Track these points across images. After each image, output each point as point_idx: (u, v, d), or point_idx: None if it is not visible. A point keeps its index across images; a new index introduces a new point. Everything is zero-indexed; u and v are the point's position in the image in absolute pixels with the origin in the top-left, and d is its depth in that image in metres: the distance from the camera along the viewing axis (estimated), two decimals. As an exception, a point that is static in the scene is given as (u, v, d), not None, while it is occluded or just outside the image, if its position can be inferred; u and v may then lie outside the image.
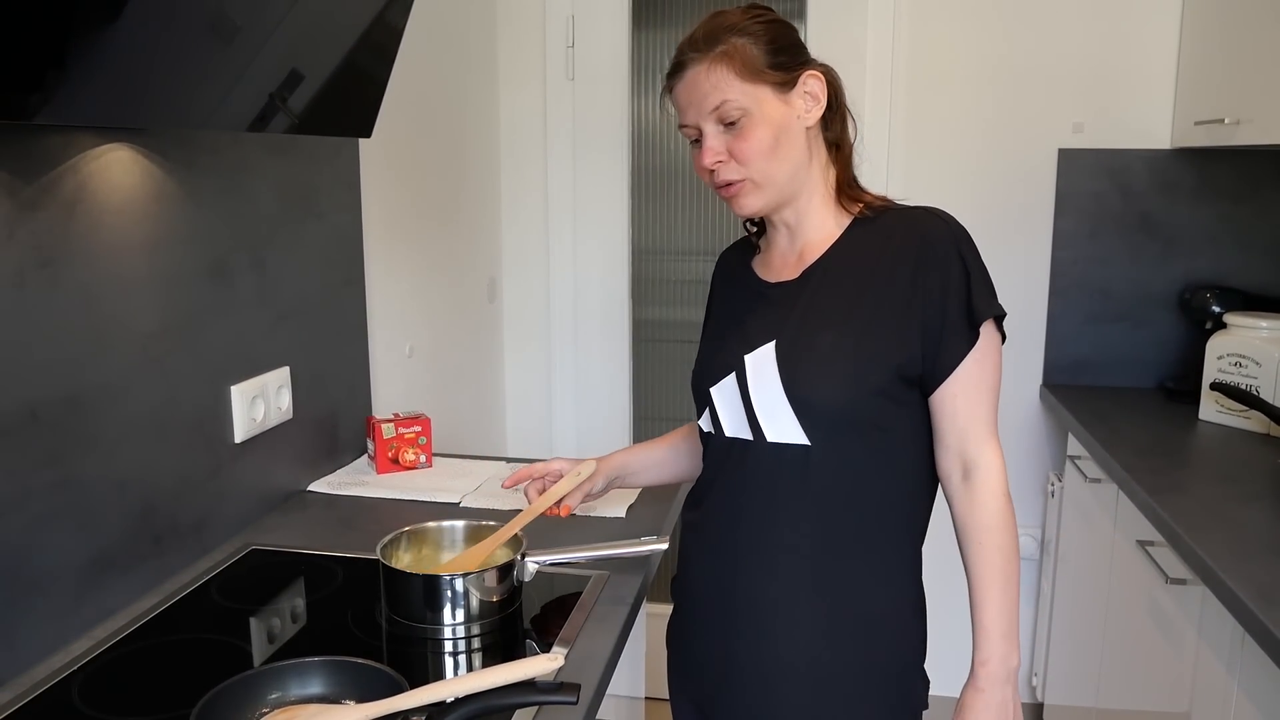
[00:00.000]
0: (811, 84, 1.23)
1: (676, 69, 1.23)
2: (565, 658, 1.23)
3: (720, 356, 1.31)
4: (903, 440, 1.25)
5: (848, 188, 1.29)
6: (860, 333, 1.21)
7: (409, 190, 2.27)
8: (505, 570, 1.33)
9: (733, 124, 1.21)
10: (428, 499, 1.78)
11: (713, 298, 1.44)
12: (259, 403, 1.65)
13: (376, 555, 1.35)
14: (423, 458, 1.92)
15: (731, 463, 1.29)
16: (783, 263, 1.31)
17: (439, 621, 1.30)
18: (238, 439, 1.61)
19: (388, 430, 1.89)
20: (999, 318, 1.23)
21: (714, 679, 1.31)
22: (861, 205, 1.28)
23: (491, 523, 1.45)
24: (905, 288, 1.21)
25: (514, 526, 1.41)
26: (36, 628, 1.23)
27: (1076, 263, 2.69)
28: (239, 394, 1.60)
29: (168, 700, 1.14)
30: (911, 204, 1.29)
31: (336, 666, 1.12)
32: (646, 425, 3.09)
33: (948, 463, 1.24)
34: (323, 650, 1.15)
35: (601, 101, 2.85)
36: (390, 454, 1.90)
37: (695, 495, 1.36)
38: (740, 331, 1.30)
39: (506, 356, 3.02)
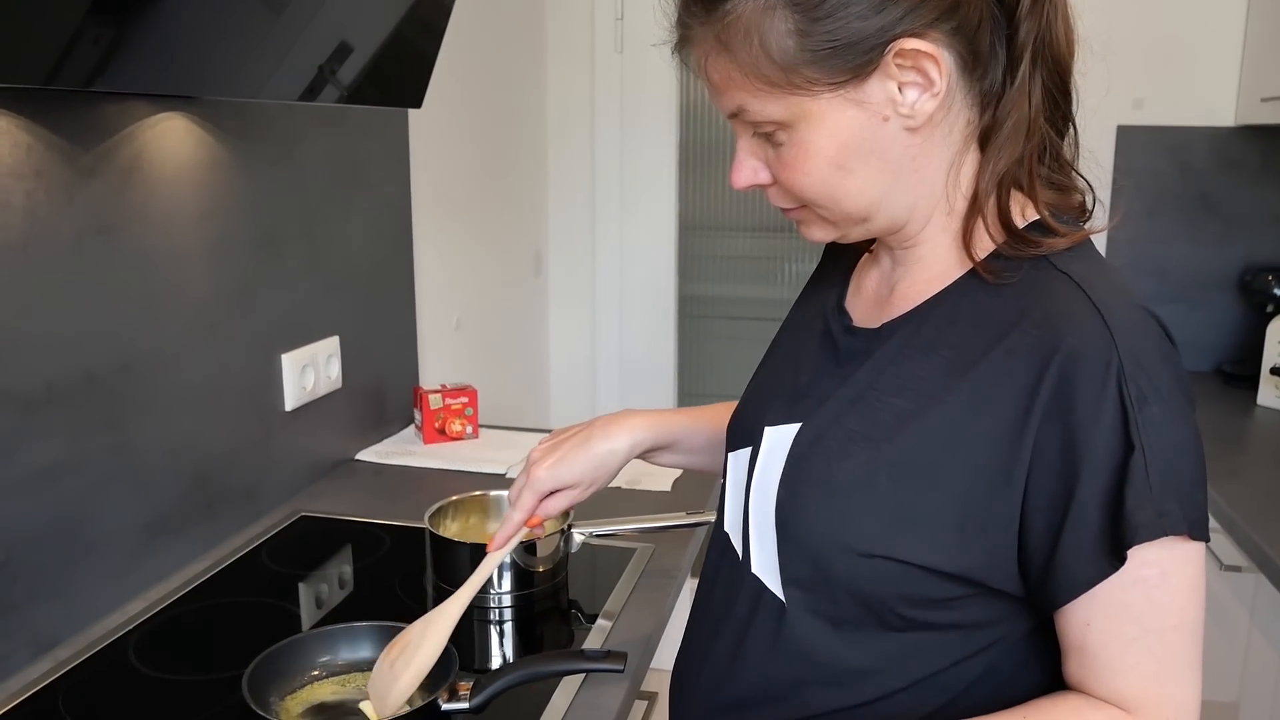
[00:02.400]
0: (910, 61, 0.74)
1: (679, 41, 0.81)
2: (611, 629, 1.24)
3: (748, 413, 0.94)
4: (958, 647, 0.80)
5: (999, 214, 0.79)
6: (911, 468, 0.77)
7: (457, 162, 2.27)
8: (551, 540, 1.33)
9: (770, 135, 0.79)
10: (474, 469, 1.79)
11: (800, 296, 1.04)
12: (309, 371, 1.66)
13: (424, 523, 1.36)
14: (469, 429, 1.93)
15: (722, 575, 0.93)
16: (874, 295, 0.89)
17: (486, 589, 1.31)
18: (288, 407, 1.63)
19: (435, 401, 1.90)
20: (1193, 531, 0.72)
21: None
22: (1000, 245, 0.79)
23: (538, 494, 1.45)
24: (1007, 424, 0.74)
25: (560, 498, 1.40)
26: (94, 588, 1.25)
27: (1133, 242, 2.64)
28: (290, 362, 1.62)
29: (221, 660, 1.16)
30: (1087, 268, 0.78)
31: (386, 631, 1.13)
32: (691, 402, 3.08)
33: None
34: (371, 615, 1.16)
35: (650, 74, 2.83)
36: (437, 424, 1.91)
37: (698, 589, 1.00)
38: (784, 383, 0.92)
39: (551, 330, 3.02)
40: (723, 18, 0.75)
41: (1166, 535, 0.71)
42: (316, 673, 1.09)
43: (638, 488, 1.69)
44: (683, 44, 0.80)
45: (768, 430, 0.88)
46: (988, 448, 0.75)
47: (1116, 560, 0.71)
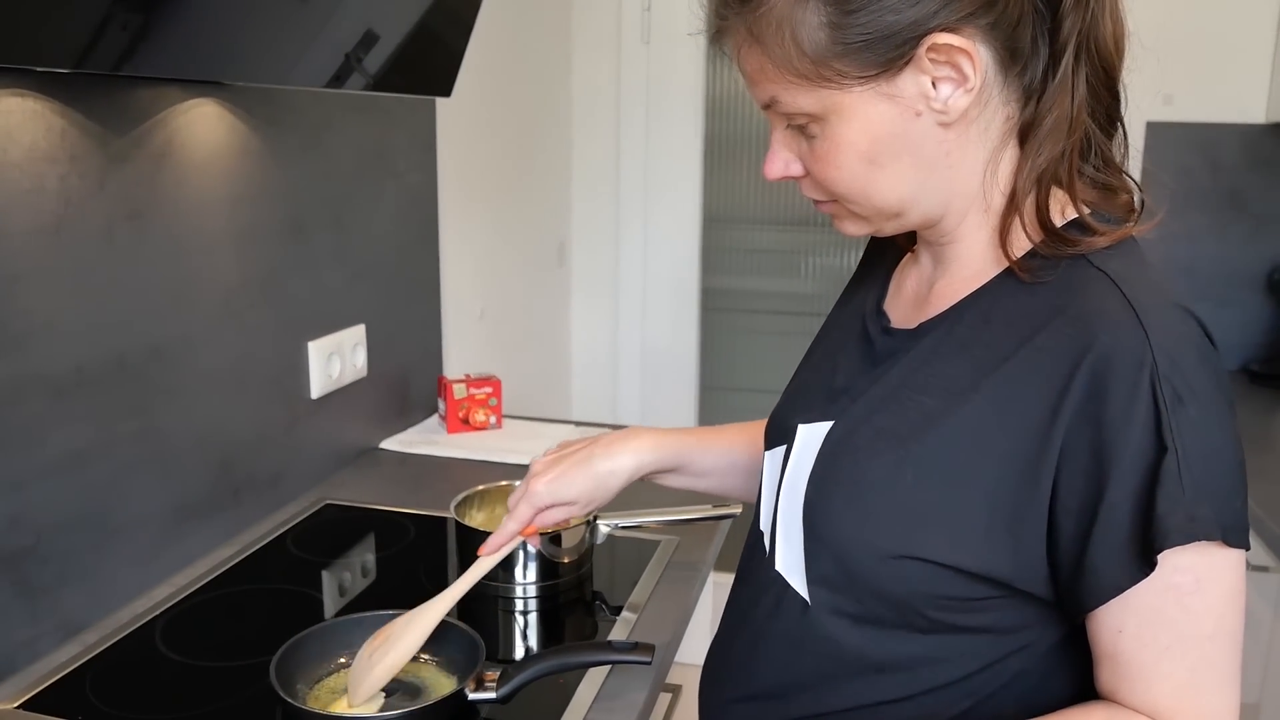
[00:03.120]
0: (943, 56, 0.73)
1: (715, 32, 0.80)
2: (637, 620, 1.24)
3: (784, 412, 0.94)
4: (987, 651, 0.79)
5: (1037, 212, 0.77)
6: (939, 466, 0.76)
7: (483, 152, 2.27)
8: (577, 531, 1.33)
9: (803, 127, 0.79)
10: (498, 459, 1.79)
11: (844, 293, 1.01)
12: (335, 359, 1.67)
13: (450, 513, 1.36)
14: (493, 419, 1.93)
15: (753, 570, 0.92)
16: (913, 295, 0.89)
17: (510, 580, 1.31)
18: (314, 395, 1.63)
19: (459, 391, 1.90)
20: (1228, 537, 0.70)
21: None
22: (1038, 244, 0.78)
23: (563, 485, 1.45)
24: (1037, 422, 0.73)
25: (586, 489, 1.40)
26: (121, 573, 1.26)
27: (1161, 240, 2.59)
28: (316, 350, 1.62)
29: (247, 647, 1.17)
30: (1126, 266, 0.76)
31: (412, 620, 1.13)
32: (712, 395, 3.08)
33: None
34: (395, 604, 1.16)
35: (676, 66, 2.82)
36: (461, 414, 1.91)
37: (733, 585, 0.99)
38: (819, 382, 0.92)
39: (574, 320, 3.02)
40: (755, 9, 0.74)
41: (1199, 540, 0.68)
42: (344, 660, 1.10)
43: (656, 482, 1.68)
44: (718, 35, 0.80)
45: (801, 428, 0.88)
46: (1016, 447, 0.73)
47: (1147, 565, 0.69)
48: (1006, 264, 0.79)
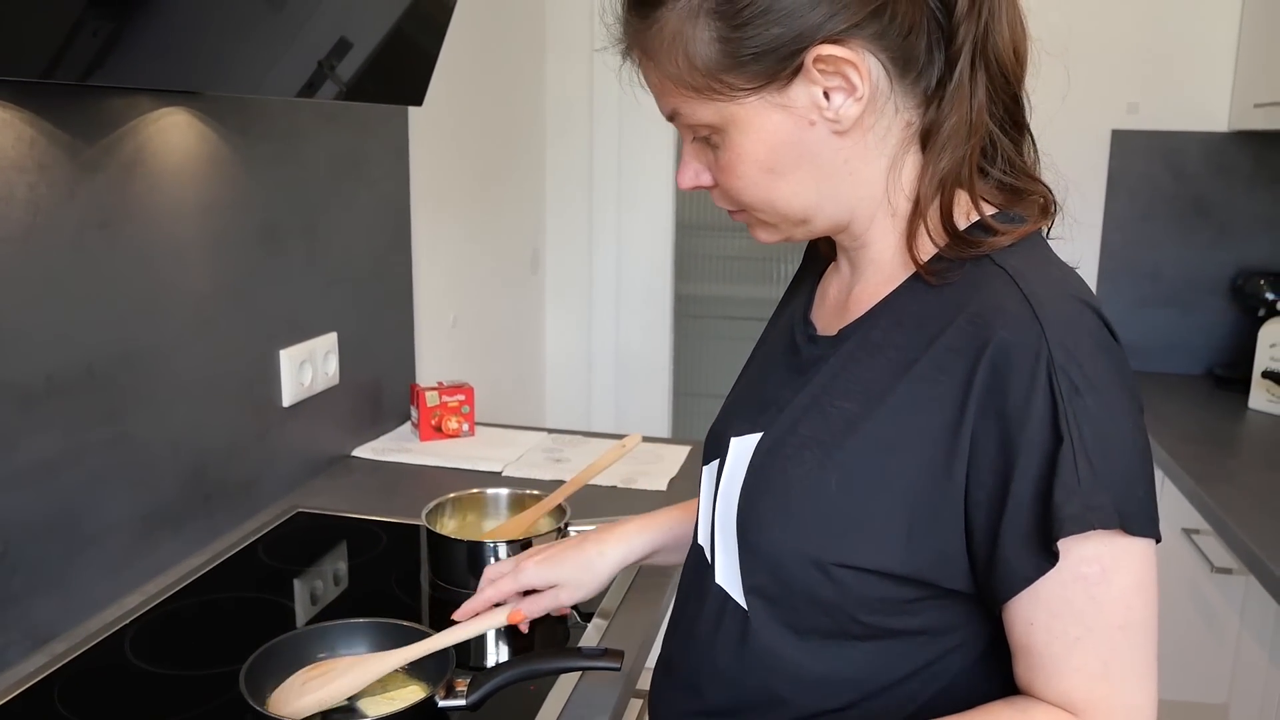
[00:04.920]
0: (831, 66, 0.75)
1: (624, 48, 0.83)
2: (607, 627, 1.24)
3: (721, 424, 0.94)
4: (921, 653, 0.80)
5: (941, 217, 0.79)
6: (857, 471, 0.78)
7: (455, 160, 2.27)
8: (548, 539, 1.34)
9: (707, 139, 0.82)
10: (470, 467, 1.79)
11: (779, 304, 1.03)
12: (307, 367, 1.67)
13: (421, 521, 1.36)
14: (465, 426, 1.93)
15: (687, 584, 0.95)
16: (835, 302, 0.90)
17: (482, 587, 1.32)
18: (286, 403, 1.63)
19: (431, 398, 1.90)
20: (1128, 525, 0.70)
21: None
22: (943, 247, 0.80)
23: (535, 492, 1.46)
24: (945, 422, 0.74)
25: (558, 497, 1.42)
26: (92, 581, 1.26)
27: (1126, 246, 2.66)
28: (288, 358, 1.62)
29: (217, 655, 1.17)
30: (1026, 262, 0.77)
31: (384, 629, 1.13)
32: (686, 401, 3.09)
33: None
34: (367, 612, 1.16)
35: (648, 74, 2.84)
36: (433, 422, 1.91)
37: (676, 597, 1.00)
38: (751, 394, 0.93)
39: (548, 328, 3.03)
40: (649, 26, 0.78)
41: (1096, 529, 0.69)
42: (305, 669, 1.10)
43: (633, 486, 1.70)
44: (626, 51, 0.83)
45: (733, 441, 0.89)
46: (929, 447, 0.75)
47: (1049, 556, 0.70)
48: (908, 274, 0.81)
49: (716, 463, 0.91)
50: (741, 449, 0.87)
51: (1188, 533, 1.92)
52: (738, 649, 0.85)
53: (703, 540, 0.92)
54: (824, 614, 0.80)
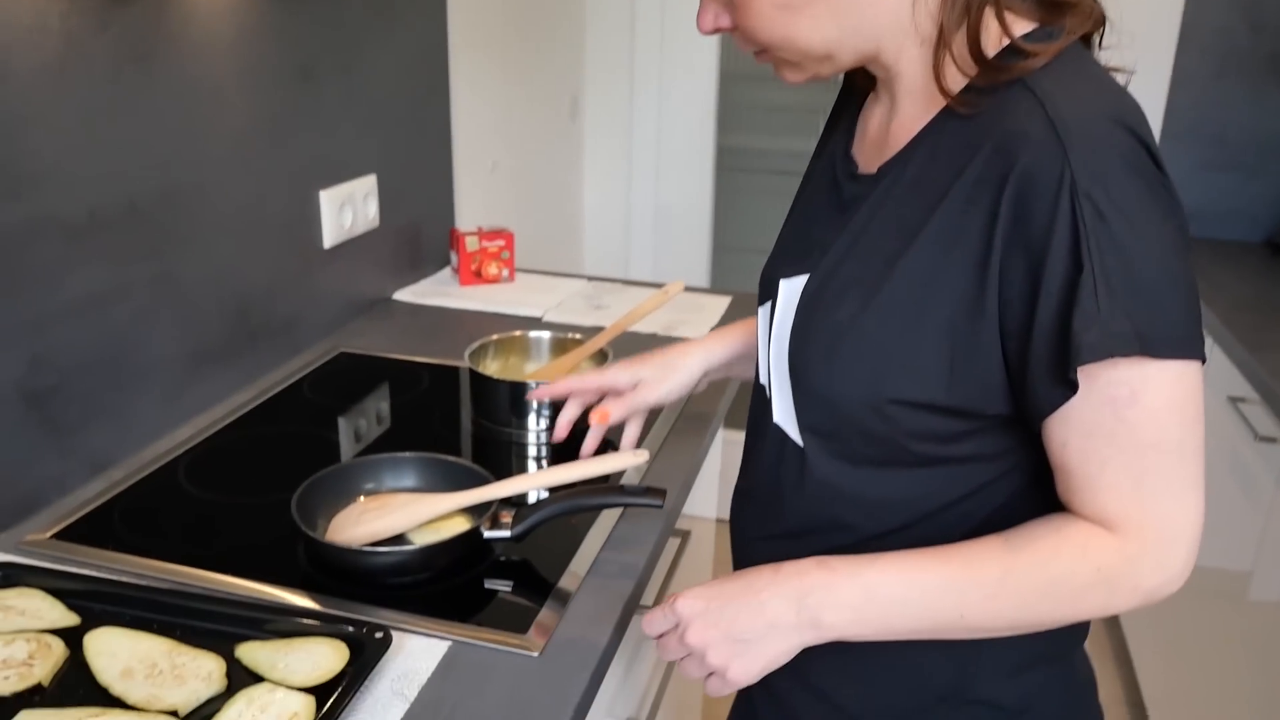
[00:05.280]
0: None
1: None
2: (647, 469, 1.26)
3: (771, 265, 0.94)
4: (972, 478, 0.81)
5: (969, 44, 0.75)
6: (895, 309, 0.77)
7: (493, 1, 2.20)
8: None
9: None
10: (510, 312, 1.80)
11: (817, 145, 1.00)
12: (347, 209, 1.66)
13: (464, 361, 1.38)
14: (505, 272, 1.93)
15: (752, 422, 0.97)
16: (875, 138, 0.88)
17: (524, 427, 1.34)
18: (327, 244, 1.63)
19: (471, 243, 1.90)
20: (1151, 350, 0.69)
21: None
22: (973, 77, 0.76)
23: (577, 336, 1.47)
24: (976, 254, 0.74)
25: (600, 340, 1.42)
26: (144, 413, 1.29)
27: (1195, 106, 2.55)
28: (328, 199, 1.61)
29: (268, 484, 1.20)
30: (1057, 82, 0.73)
31: (430, 463, 1.16)
32: (725, 256, 3.06)
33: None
34: (409, 448, 1.19)
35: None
36: (473, 267, 1.91)
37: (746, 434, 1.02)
38: (798, 235, 0.92)
39: (586, 176, 2.99)
40: None
41: (1114, 356, 0.69)
42: (361, 499, 1.13)
43: (674, 334, 1.70)
44: None
45: (782, 283, 0.89)
46: (962, 280, 0.74)
47: (1070, 383, 0.70)
48: (940, 106, 0.79)
49: (769, 305, 0.92)
50: (790, 291, 0.88)
51: (1234, 401, 1.90)
52: (798, 481, 0.88)
53: (762, 380, 0.94)
54: (877, 446, 0.82)
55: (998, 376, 0.75)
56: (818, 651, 0.82)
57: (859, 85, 0.93)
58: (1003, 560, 0.76)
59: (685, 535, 1.32)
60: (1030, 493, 0.81)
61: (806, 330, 0.84)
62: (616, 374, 1.15)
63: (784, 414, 0.88)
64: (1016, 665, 0.87)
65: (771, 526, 0.93)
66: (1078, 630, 0.90)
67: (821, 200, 0.91)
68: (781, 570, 0.81)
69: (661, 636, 0.86)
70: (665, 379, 1.16)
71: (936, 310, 0.75)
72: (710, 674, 0.83)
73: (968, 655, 0.85)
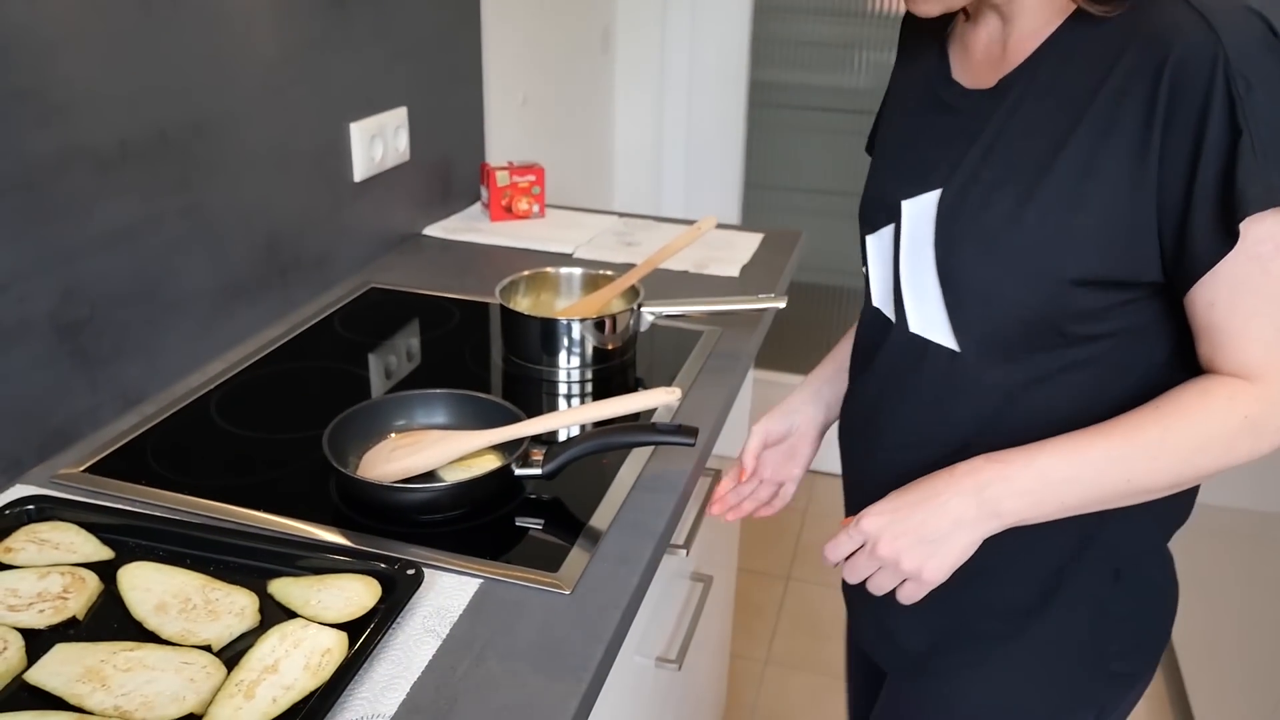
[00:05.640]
0: None
1: None
2: (678, 407, 1.25)
3: (881, 194, 1.00)
4: (1118, 353, 0.88)
5: None
6: (1055, 200, 0.84)
7: (526, -74, 2.15)
8: (622, 318, 1.33)
9: None
10: (541, 248, 1.78)
11: (893, 77, 1.08)
12: (378, 142, 1.64)
13: (495, 297, 1.36)
14: (535, 207, 1.91)
15: (876, 341, 1.02)
16: (985, 56, 0.93)
17: (555, 364, 1.33)
18: (357, 178, 1.61)
19: (502, 178, 1.87)
20: None
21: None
22: None
23: (609, 273, 1.45)
24: (1134, 138, 0.80)
25: (632, 277, 1.40)
26: (175, 347, 1.28)
27: None
28: (358, 131, 1.59)
29: (299, 420, 1.20)
30: None
31: (461, 399, 1.15)
32: (757, 193, 3.02)
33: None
34: (441, 385, 1.18)
35: None
36: (504, 202, 1.89)
37: (853, 355, 1.10)
38: (910, 158, 0.98)
39: (618, 111, 2.94)
40: None
41: (1276, 205, 0.77)
42: (393, 435, 1.12)
43: (705, 272, 1.67)
44: None
45: (905, 204, 0.95)
46: (1120, 165, 0.81)
47: (1232, 236, 0.78)
48: (1075, 6, 0.85)
49: (890, 228, 0.97)
50: (918, 208, 0.93)
51: None
52: (944, 385, 0.94)
53: (881, 302, 1.01)
54: (1031, 332, 0.88)
55: (1154, 247, 0.82)
56: None
57: (927, 22, 0.98)
58: (1158, 423, 0.83)
59: (716, 475, 1.31)
60: (1171, 364, 0.88)
61: (954, 235, 0.90)
62: (755, 433, 1.18)
63: (929, 322, 0.94)
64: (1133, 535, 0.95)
65: (903, 437, 0.98)
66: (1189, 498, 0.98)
67: (931, 124, 0.97)
68: (956, 471, 0.87)
69: (848, 558, 0.92)
70: (794, 476, 1.21)
71: (1097, 194, 0.82)
72: (903, 581, 0.89)
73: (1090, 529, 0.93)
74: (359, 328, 1.47)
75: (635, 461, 1.13)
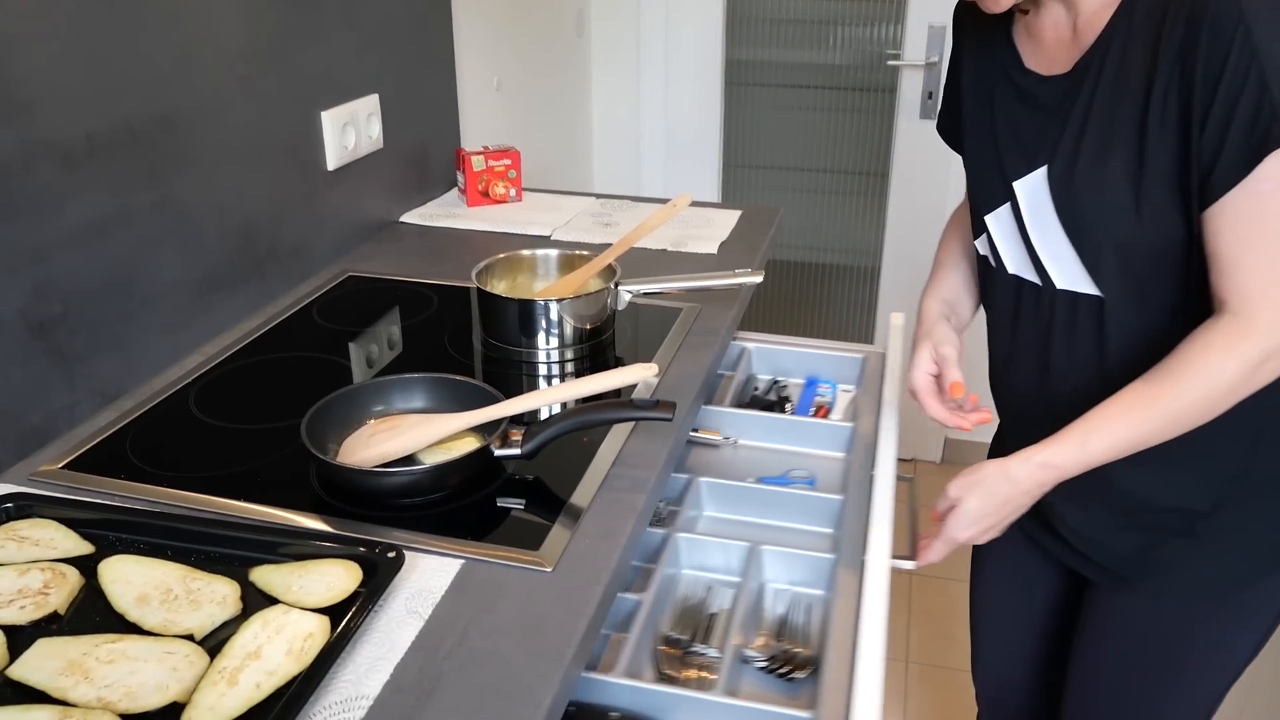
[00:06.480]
0: None
1: None
2: (657, 383, 1.25)
3: (988, 179, 1.12)
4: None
5: None
6: (1149, 149, 0.95)
7: (494, -91, 2.14)
8: (599, 297, 1.33)
9: None
10: (518, 231, 1.77)
11: (958, 70, 1.20)
12: (350, 130, 1.63)
13: (472, 281, 1.36)
14: (512, 191, 1.90)
15: (1025, 305, 1.14)
16: (1055, 41, 1.05)
17: (534, 346, 1.33)
18: (330, 166, 1.60)
19: (478, 163, 1.87)
20: None
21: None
22: None
23: (585, 253, 1.44)
24: (1183, 87, 0.92)
25: (608, 256, 1.40)
26: (152, 342, 1.28)
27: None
28: (330, 120, 1.58)
29: (278, 410, 1.19)
30: None
31: (439, 383, 1.15)
32: (736, 173, 3.02)
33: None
34: (422, 370, 1.18)
35: None
36: (480, 187, 1.88)
37: (993, 324, 1.22)
38: (1008, 144, 1.10)
39: (594, 93, 2.93)
40: None
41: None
42: (371, 421, 1.12)
43: (683, 250, 1.67)
44: None
45: (1017, 184, 1.07)
46: (1175, 118, 0.93)
47: (1246, 159, 0.89)
48: None
49: (1006, 206, 1.10)
50: (1031, 185, 1.06)
51: None
52: (1097, 334, 1.06)
53: (1017, 269, 1.12)
54: (1161, 267, 1.00)
55: (1201, 157, 0.93)
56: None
57: (988, 11, 1.03)
58: (1171, 389, 0.96)
59: (909, 482, 1.32)
60: None
61: (1074, 198, 1.01)
62: (921, 357, 1.20)
63: (1073, 276, 1.05)
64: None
65: (1071, 374, 1.10)
66: None
67: (1018, 113, 1.08)
68: (1018, 484, 1.04)
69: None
70: (950, 337, 1.21)
71: (1167, 148, 0.94)
72: None
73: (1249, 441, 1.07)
74: (337, 317, 1.46)
75: (615, 439, 1.13)
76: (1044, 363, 1.13)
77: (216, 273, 1.38)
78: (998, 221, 1.12)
